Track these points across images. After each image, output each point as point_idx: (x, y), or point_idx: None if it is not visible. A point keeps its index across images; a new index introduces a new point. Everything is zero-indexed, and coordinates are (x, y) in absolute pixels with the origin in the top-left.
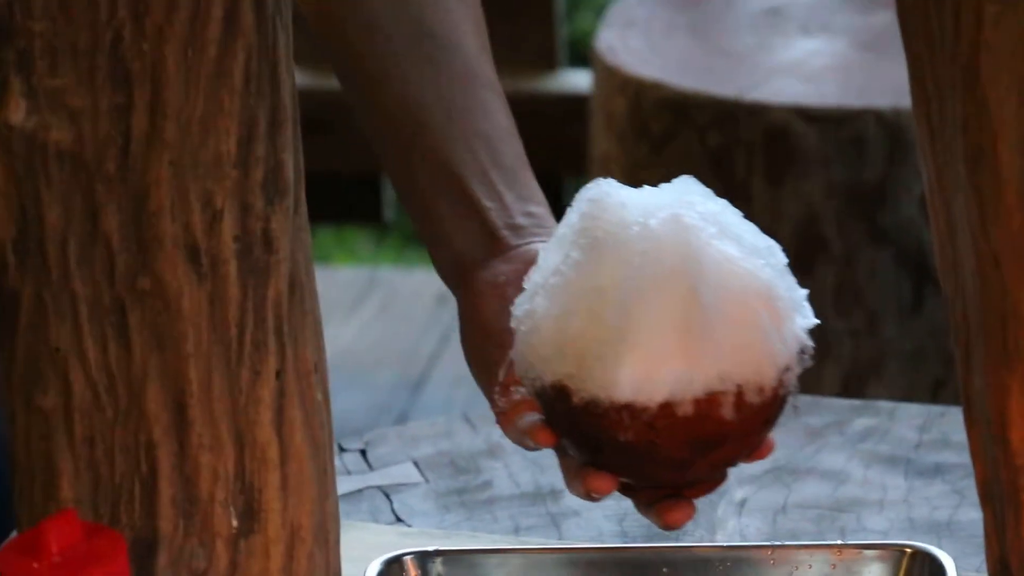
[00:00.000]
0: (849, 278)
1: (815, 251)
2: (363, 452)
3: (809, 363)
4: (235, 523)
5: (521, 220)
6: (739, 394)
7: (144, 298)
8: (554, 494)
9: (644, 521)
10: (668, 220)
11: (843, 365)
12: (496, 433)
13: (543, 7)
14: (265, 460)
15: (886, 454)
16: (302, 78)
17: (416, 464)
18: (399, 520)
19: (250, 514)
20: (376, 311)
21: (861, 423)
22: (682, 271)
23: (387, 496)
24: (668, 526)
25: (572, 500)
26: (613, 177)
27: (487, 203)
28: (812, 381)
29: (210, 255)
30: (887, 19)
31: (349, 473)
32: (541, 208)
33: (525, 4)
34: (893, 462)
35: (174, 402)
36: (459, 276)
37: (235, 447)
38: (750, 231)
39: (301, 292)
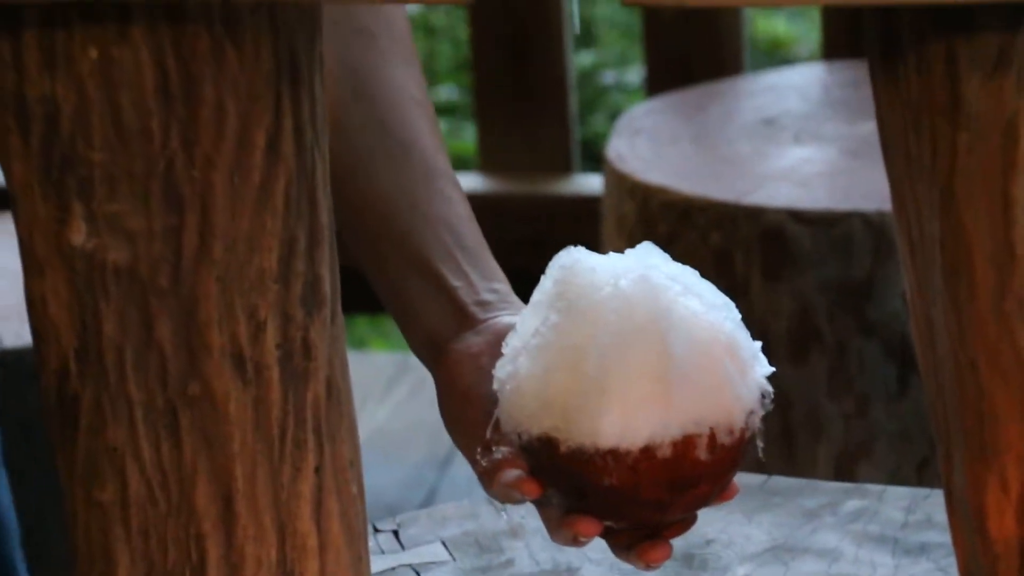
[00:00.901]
0: (840, 366)
1: (809, 341)
2: (395, 532)
3: (770, 407)
4: None
5: (487, 296)
6: (712, 436)
7: (194, 402)
8: (570, 571)
9: None
10: (637, 280)
11: (836, 445)
12: (517, 514)
13: (559, 118)
14: (305, 549)
15: (875, 534)
16: None
17: (444, 544)
18: None
19: None
20: (408, 393)
21: (852, 504)
22: (654, 326)
23: (417, 574)
24: (649, 565)
25: None
26: None
27: (455, 283)
28: (808, 458)
29: (254, 362)
30: (872, 130)
31: (383, 552)
32: (503, 285)
33: (543, 115)
34: (882, 541)
35: (222, 497)
36: (434, 350)
37: (277, 537)
38: (708, 289)
39: (338, 394)
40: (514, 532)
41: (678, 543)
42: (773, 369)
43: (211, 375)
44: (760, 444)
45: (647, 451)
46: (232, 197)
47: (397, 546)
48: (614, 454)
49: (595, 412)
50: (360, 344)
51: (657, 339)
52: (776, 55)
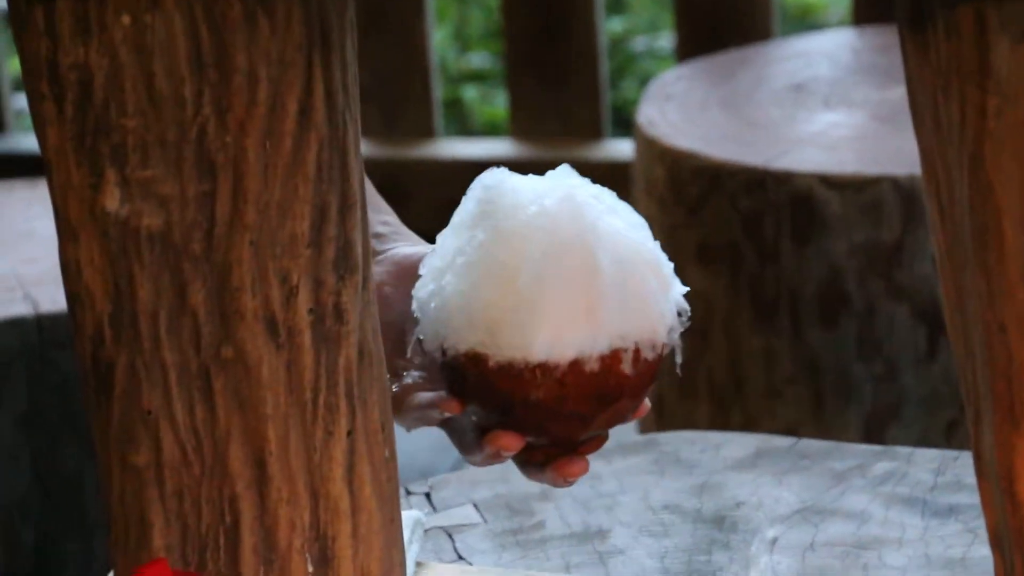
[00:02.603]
0: (870, 330)
1: (838, 305)
2: (428, 495)
3: (687, 323)
4: (311, 569)
5: (380, 228)
6: (636, 351)
7: (227, 365)
8: (601, 534)
9: (685, 559)
10: (563, 199)
11: (865, 408)
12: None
13: (590, 84)
14: (338, 512)
15: (904, 496)
16: (373, 149)
17: (476, 506)
18: (461, 558)
19: (324, 561)
20: None
21: (881, 467)
22: (581, 242)
23: (449, 536)
24: (566, 479)
25: (618, 540)
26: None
27: None
28: (837, 421)
29: (287, 326)
30: (901, 94)
31: None
32: (393, 217)
33: (574, 81)
34: (911, 503)
35: (255, 459)
36: None
37: (310, 500)
38: (627, 209)
39: (369, 358)
40: (544, 494)
41: (709, 506)
42: (688, 288)
43: (244, 339)
44: (678, 360)
45: (575, 365)
46: (264, 163)
47: (429, 508)
48: (543, 368)
49: (526, 326)
50: None
51: (586, 255)
52: (806, 21)
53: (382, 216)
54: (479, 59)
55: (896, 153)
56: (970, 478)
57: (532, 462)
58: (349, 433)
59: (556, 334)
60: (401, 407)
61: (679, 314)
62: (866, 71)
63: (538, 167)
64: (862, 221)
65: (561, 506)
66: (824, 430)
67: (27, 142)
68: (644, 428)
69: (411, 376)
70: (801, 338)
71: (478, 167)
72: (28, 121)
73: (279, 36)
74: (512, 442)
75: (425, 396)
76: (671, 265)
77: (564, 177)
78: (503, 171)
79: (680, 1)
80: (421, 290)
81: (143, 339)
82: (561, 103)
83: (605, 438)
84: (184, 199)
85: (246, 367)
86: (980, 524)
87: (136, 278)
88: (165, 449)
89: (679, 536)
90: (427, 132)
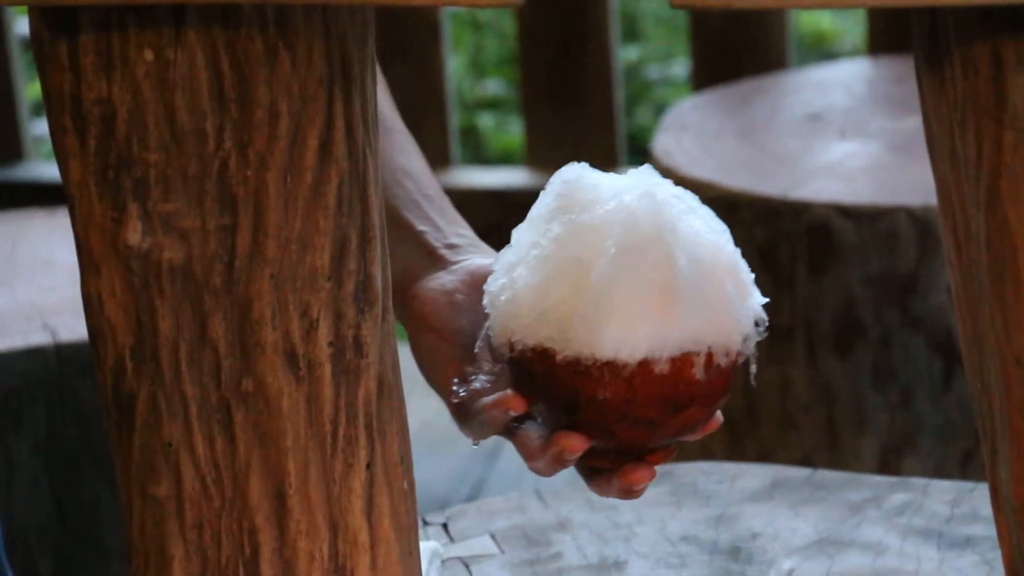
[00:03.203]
0: (885, 359)
1: (854, 335)
2: (445, 526)
3: (764, 334)
4: None
5: (455, 240)
6: (709, 355)
7: (247, 398)
8: (618, 565)
9: None
10: (643, 196)
11: (880, 437)
12: (565, 508)
13: (605, 111)
14: (356, 544)
15: (920, 527)
16: None
17: (493, 537)
18: None
19: None
20: None
21: (897, 498)
22: (658, 239)
23: (467, 567)
24: (631, 488)
25: (635, 571)
26: None
27: (422, 227)
28: (852, 451)
29: (307, 359)
30: (916, 125)
31: None
32: (469, 231)
33: (589, 109)
34: (927, 534)
35: (275, 492)
36: (403, 292)
37: (329, 532)
38: (708, 213)
39: (389, 391)
40: (562, 524)
41: (725, 537)
42: (768, 299)
43: (264, 372)
44: (753, 369)
45: (644, 365)
46: (285, 197)
47: (447, 539)
48: (611, 366)
49: (595, 322)
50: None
51: (663, 253)
52: (821, 49)
53: (457, 228)
54: (494, 86)
55: (911, 184)
56: (986, 510)
57: (599, 470)
58: (368, 465)
59: (626, 332)
60: (468, 414)
61: (756, 324)
62: (881, 101)
63: None
64: (877, 251)
65: (578, 537)
66: (839, 459)
67: (45, 169)
68: None
69: (479, 381)
70: (816, 367)
71: (494, 196)
72: (46, 147)
73: (300, 71)
74: (577, 443)
75: (490, 397)
76: (751, 273)
77: (645, 175)
78: (583, 166)
79: (695, 29)
80: (492, 284)
81: (164, 372)
82: (576, 131)
83: (675, 449)
84: (205, 232)
85: (266, 400)
86: (996, 556)
87: (158, 311)
88: (185, 481)
89: (696, 567)
90: (443, 161)
